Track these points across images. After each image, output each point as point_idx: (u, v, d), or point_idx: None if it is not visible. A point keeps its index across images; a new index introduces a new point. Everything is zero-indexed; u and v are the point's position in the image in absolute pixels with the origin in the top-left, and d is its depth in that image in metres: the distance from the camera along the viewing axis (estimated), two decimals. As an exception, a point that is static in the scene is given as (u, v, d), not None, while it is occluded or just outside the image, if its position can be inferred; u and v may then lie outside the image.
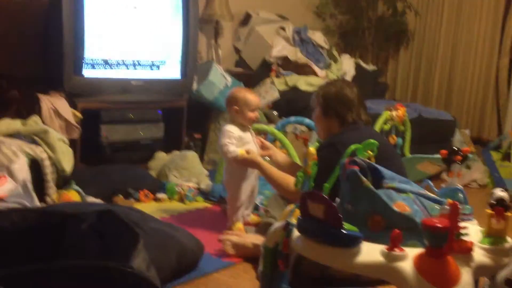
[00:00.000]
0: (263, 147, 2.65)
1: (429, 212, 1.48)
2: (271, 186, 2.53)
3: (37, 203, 2.54)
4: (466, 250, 1.29)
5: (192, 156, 3.52)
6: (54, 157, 2.77)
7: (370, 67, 5.20)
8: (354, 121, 2.35)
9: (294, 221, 1.47)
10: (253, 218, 2.71)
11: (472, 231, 1.43)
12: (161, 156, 3.63)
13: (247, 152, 2.48)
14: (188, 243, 2.15)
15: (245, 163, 2.50)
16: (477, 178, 4.03)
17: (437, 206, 1.49)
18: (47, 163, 2.72)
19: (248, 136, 2.62)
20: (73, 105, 3.24)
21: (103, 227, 1.38)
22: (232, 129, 2.56)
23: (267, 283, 1.63)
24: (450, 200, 1.40)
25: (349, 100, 2.37)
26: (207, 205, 3.14)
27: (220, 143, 2.56)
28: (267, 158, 2.65)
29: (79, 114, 3.21)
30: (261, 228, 2.38)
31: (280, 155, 2.69)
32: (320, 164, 1.88)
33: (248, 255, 2.29)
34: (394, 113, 3.28)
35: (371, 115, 3.84)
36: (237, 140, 2.55)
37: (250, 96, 2.59)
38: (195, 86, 3.94)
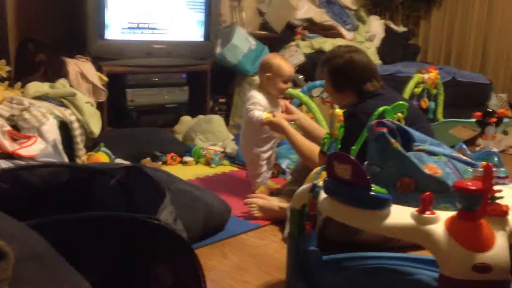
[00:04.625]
0: (287, 110, 2.55)
1: (462, 175, 1.44)
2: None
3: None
4: (500, 214, 1.25)
5: (217, 120, 3.51)
6: (82, 120, 2.79)
7: (400, 28, 5.03)
8: (374, 89, 2.17)
9: (320, 183, 1.44)
10: (270, 184, 2.68)
11: (508, 194, 1.39)
12: (186, 120, 3.64)
13: (273, 115, 2.44)
14: (216, 204, 2.16)
15: (270, 126, 2.46)
16: (514, 144, 3.93)
17: (470, 169, 1.44)
18: (76, 125, 2.75)
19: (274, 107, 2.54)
20: (98, 68, 3.25)
21: (131, 183, 1.40)
22: (258, 96, 2.51)
23: (294, 245, 1.62)
24: (484, 162, 1.36)
25: (361, 68, 2.17)
26: (233, 168, 3.15)
27: (246, 107, 2.52)
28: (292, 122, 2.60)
29: (105, 78, 3.22)
30: (286, 193, 2.37)
31: (306, 121, 2.57)
32: (346, 135, 1.78)
33: (274, 218, 2.30)
34: (426, 75, 3.19)
35: (402, 78, 3.80)
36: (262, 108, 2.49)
37: (285, 65, 2.49)
38: (218, 49, 3.90)
